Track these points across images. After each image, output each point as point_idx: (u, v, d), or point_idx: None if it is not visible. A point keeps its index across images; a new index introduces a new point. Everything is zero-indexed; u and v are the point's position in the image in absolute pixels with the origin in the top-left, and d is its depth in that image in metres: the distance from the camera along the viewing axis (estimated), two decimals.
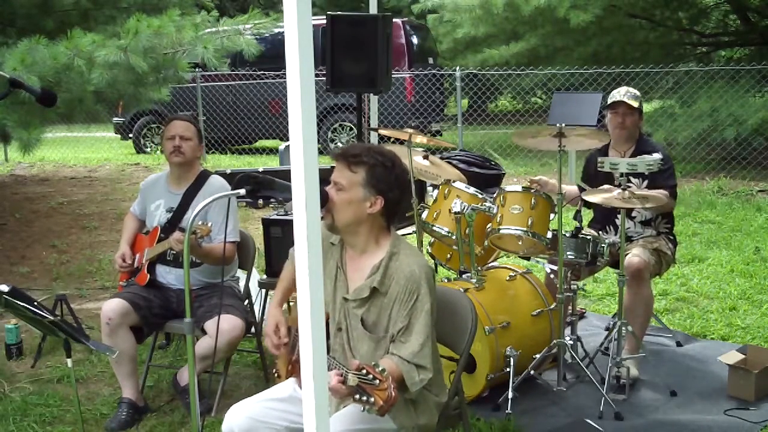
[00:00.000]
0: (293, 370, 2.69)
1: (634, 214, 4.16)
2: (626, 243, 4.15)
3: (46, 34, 5.74)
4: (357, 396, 2.23)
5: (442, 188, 4.01)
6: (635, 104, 4.08)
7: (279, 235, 4.01)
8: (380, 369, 2.24)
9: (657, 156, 3.76)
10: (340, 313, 2.62)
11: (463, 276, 3.93)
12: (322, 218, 2.56)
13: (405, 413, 2.50)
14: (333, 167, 2.62)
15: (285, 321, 2.71)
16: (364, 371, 2.24)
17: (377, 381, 2.22)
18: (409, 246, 2.65)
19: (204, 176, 3.91)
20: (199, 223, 3.42)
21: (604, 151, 4.25)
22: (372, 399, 2.21)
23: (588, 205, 4.18)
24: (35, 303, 2.77)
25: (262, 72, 11.59)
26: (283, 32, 1.66)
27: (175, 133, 3.80)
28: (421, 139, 4.23)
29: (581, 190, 4.31)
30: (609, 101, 4.16)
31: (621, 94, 4.11)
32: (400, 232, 3.74)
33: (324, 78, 4.57)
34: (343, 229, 2.59)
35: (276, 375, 2.81)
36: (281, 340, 2.68)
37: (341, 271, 2.65)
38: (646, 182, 4.08)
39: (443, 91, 12.63)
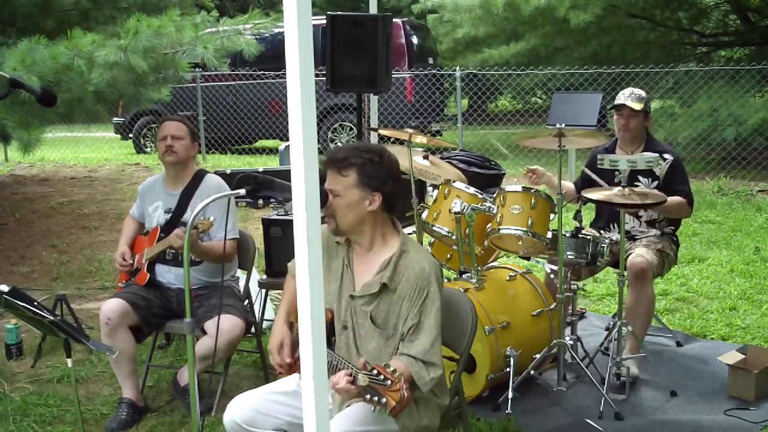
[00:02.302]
0: (296, 365, 2.68)
1: (641, 213, 4.16)
2: (629, 242, 4.16)
3: (46, 34, 5.75)
4: (368, 396, 2.22)
5: (442, 188, 4.01)
6: (638, 106, 4.08)
7: (279, 235, 4.01)
8: (391, 370, 2.23)
9: (655, 154, 3.76)
10: (347, 312, 2.62)
11: (463, 276, 3.93)
12: (325, 223, 2.57)
13: (408, 414, 2.50)
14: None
15: (290, 338, 2.68)
16: (375, 372, 2.23)
17: (389, 382, 2.21)
18: (417, 244, 2.67)
19: (200, 176, 3.90)
20: (201, 218, 3.42)
21: (611, 150, 4.25)
22: (384, 400, 2.20)
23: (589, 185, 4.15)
24: (35, 303, 2.77)
25: (262, 72, 11.59)
26: (283, 32, 1.66)
27: (167, 133, 3.81)
28: (421, 139, 4.23)
29: (578, 190, 4.30)
30: (614, 103, 4.17)
31: (625, 96, 4.12)
32: None
33: (324, 78, 4.57)
34: (348, 231, 2.61)
35: (279, 372, 2.80)
36: (285, 360, 2.66)
37: (348, 270, 2.65)
38: (656, 182, 4.08)
39: (443, 91, 12.64)
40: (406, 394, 2.20)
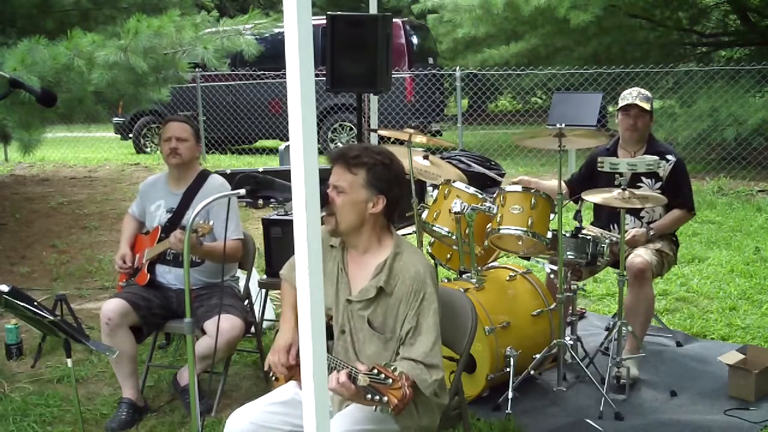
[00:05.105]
0: (292, 372, 2.68)
1: (642, 213, 4.16)
2: None
3: (46, 34, 5.75)
4: (369, 396, 2.22)
5: (442, 188, 4.01)
6: (647, 106, 4.09)
7: (279, 235, 4.01)
8: (392, 368, 2.23)
9: (655, 157, 3.76)
10: (344, 316, 2.61)
11: (463, 276, 3.93)
12: (323, 223, 2.55)
13: (408, 414, 2.50)
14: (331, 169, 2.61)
15: (297, 343, 2.66)
16: (376, 371, 2.23)
17: (390, 380, 2.21)
18: (411, 245, 2.65)
19: (203, 176, 3.90)
20: (200, 221, 3.41)
21: (612, 151, 4.24)
22: (385, 398, 2.19)
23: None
24: (35, 303, 2.77)
25: (262, 72, 11.60)
26: (283, 32, 1.66)
27: (172, 134, 3.80)
28: (421, 139, 4.23)
29: (571, 188, 4.29)
30: (621, 103, 4.16)
31: (633, 96, 4.11)
32: (400, 232, 3.73)
33: (324, 78, 4.57)
34: (347, 231, 2.59)
35: (274, 379, 2.80)
36: (289, 361, 2.65)
37: (343, 273, 2.64)
38: (659, 183, 4.08)
39: (443, 91, 12.64)
40: (408, 392, 2.19)
